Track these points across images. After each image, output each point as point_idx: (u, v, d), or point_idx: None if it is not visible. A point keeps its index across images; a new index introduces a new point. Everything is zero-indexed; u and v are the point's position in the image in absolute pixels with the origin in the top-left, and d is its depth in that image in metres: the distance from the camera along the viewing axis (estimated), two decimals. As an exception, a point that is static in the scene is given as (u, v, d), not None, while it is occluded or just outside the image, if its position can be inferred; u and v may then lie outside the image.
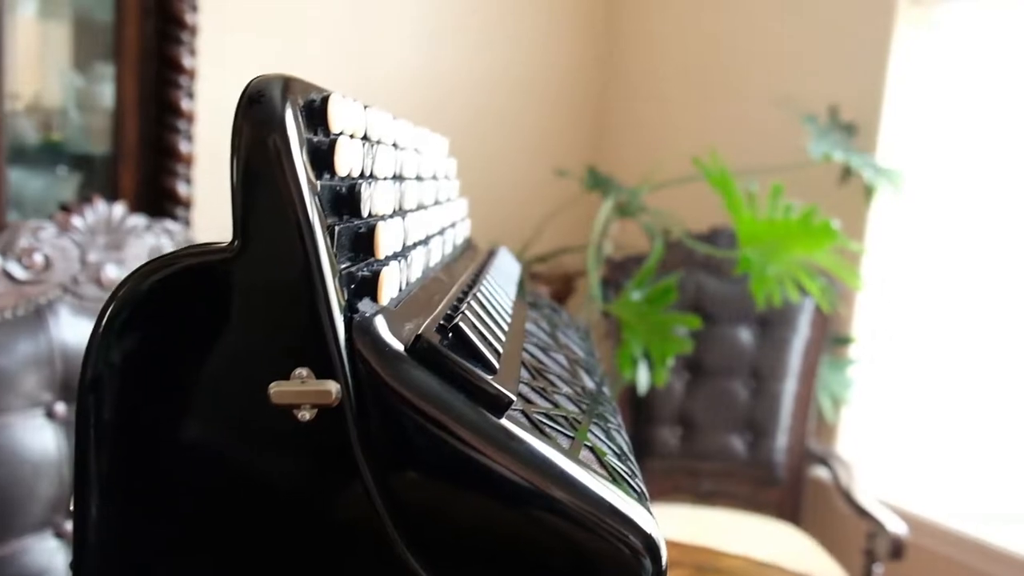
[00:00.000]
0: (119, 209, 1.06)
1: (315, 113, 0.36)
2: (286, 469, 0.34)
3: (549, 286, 1.95)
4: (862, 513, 1.52)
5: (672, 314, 1.49)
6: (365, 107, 0.42)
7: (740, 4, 2.07)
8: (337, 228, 0.35)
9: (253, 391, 0.33)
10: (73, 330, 1.03)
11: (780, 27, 1.97)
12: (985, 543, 1.54)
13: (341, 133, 0.38)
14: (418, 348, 0.36)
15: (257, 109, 0.33)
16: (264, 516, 0.34)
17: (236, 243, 0.33)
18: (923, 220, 1.75)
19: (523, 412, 0.39)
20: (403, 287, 0.43)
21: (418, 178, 0.55)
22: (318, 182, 0.35)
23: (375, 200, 0.40)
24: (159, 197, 1.54)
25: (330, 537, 0.34)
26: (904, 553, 1.41)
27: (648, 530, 0.35)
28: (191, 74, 1.50)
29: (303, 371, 0.33)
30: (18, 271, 0.96)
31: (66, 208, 1.02)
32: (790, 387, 1.78)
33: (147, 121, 1.50)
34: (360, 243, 0.38)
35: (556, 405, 0.44)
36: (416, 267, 0.47)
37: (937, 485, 1.71)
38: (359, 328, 0.34)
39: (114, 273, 1.07)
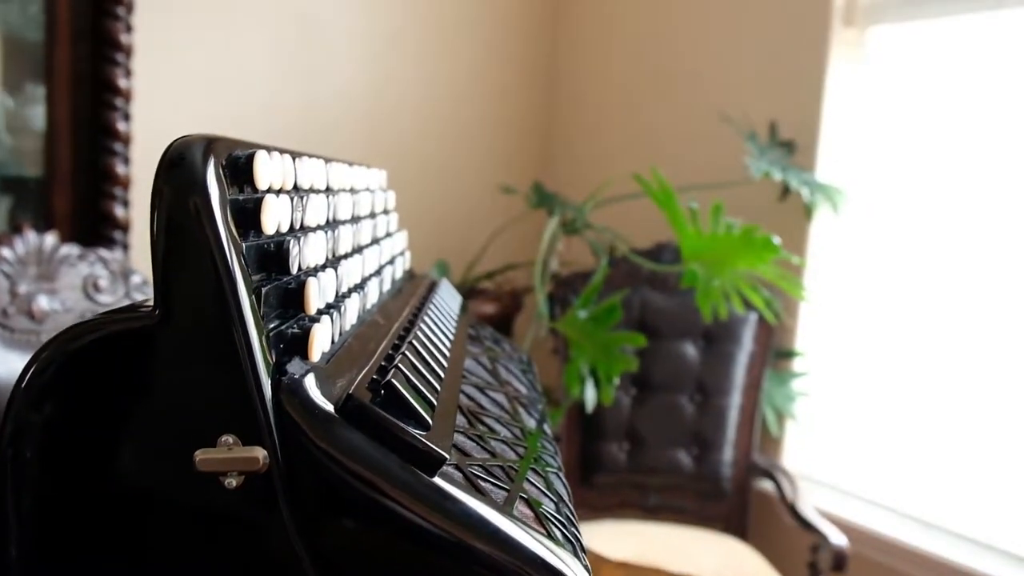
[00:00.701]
0: (50, 239, 1.03)
1: (241, 171, 0.36)
2: (212, 534, 0.33)
3: (497, 302, 1.96)
4: (806, 525, 1.55)
5: (618, 333, 1.50)
6: (295, 157, 0.42)
7: (683, 24, 2.11)
8: (264, 288, 0.35)
9: (179, 457, 0.32)
10: (4, 363, 0.99)
11: (721, 46, 2.01)
12: (925, 552, 1.58)
13: (268, 189, 0.37)
14: (348, 408, 0.35)
15: (178, 172, 0.32)
16: (190, 586, 0.33)
17: (157, 309, 0.32)
18: (862, 234, 1.80)
19: (458, 466, 0.39)
20: (336, 338, 0.42)
21: (354, 219, 0.54)
22: (244, 242, 0.35)
23: (305, 254, 0.39)
24: (96, 220, 1.50)
25: (258, 606, 0.34)
26: (846, 565, 1.44)
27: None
28: (127, 95, 1.47)
29: (229, 438, 0.33)
30: (-58, 305, 0.93)
31: (-7, 239, 0.98)
32: (735, 401, 1.80)
33: (82, 143, 1.47)
34: (290, 300, 0.38)
35: (493, 454, 0.44)
36: (351, 314, 0.46)
37: (879, 494, 1.75)
38: (287, 390, 0.34)
39: (46, 304, 1.04)
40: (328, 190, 0.49)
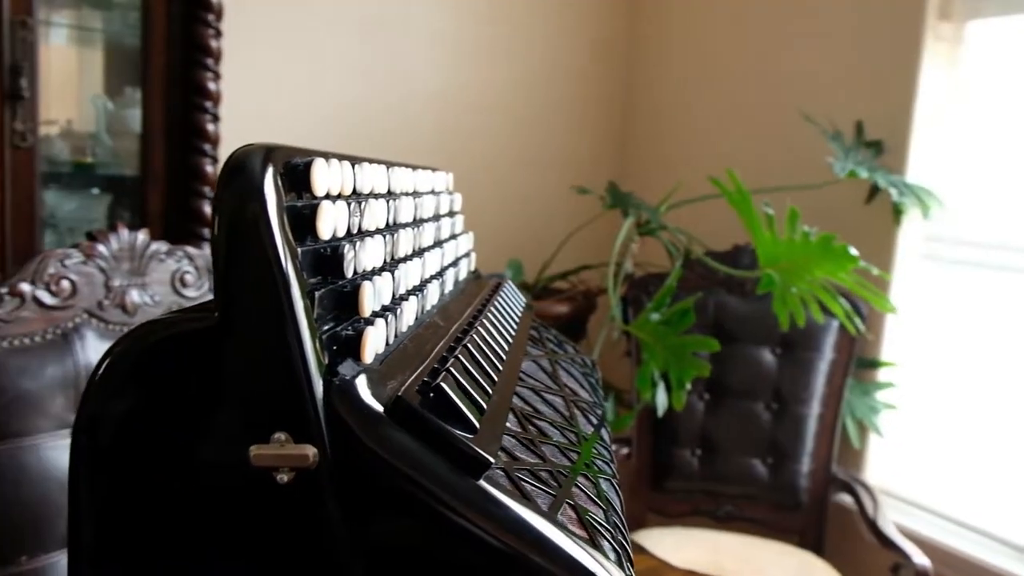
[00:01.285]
0: (142, 236, 1.09)
1: (299, 178, 0.37)
2: (264, 528, 0.35)
3: (570, 303, 1.95)
4: (886, 543, 1.50)
5: (690, 337, 1.48)
6: (354, 163, 0.43)
7: (765, 20, 2.06)
8: (318, 292, 0.36)
9: (234, 452, 0.34)
10: (98, 353, 1.05)
11: (805, 43, 1.95)
12: None
13: (326, 195, 0.39)
14: (397, 410, 0.36)
15: (237, 180, 0.33)
16: (236, 570, 0.35)
17: (216, 312, 0.33)
18: (954, 241, 1.72)
19: (504, 470, 0.40)
20: (392, 340, 0.43)
21: (415, 222, 0.56)
22: (300, 247, 0.36)
23: (361, 258, 0.40)
24: (186, 218, 1.57)
25: (305, 598, 0.35)
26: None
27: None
28: (215, 98, 1.53)
29: (282, 435, 0.34)
30: (47, 297, 0.99)
31: (91, 236, 1.04)
32: (814, 410, 1.75)
33: (174, 144, 1.54)
34: (345, 302, 0.39)
35: (543, 459, 0.45)
36: (408, 316, 0.47)
37: (965, 514, 1.67)
38: (338, 391, 0.35)
39: (137, 297, 1.09)
40: (389, 194, 0.51)
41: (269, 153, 0.35)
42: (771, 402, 1.78)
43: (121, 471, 0.36)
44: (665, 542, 1.65)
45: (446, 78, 2.12)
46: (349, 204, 0.41)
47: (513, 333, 0.62)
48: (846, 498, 1.76)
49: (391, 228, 0.49)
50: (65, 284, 1.00)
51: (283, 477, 0.34)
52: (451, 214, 0.71)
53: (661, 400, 1.52)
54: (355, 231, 0.41)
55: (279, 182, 0.35)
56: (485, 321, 0.57)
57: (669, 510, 1.82)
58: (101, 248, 1.04)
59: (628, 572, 0.39)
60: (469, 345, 0.48)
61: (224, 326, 0.34)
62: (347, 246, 0.39)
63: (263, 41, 1.82)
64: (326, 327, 0.37)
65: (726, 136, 2.15)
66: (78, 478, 0.36)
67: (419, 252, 0.55)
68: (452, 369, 0.42)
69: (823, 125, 1.78)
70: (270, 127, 1.84)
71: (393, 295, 0.45)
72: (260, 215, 0.33)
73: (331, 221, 0.37)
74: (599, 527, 0.40)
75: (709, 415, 1.81)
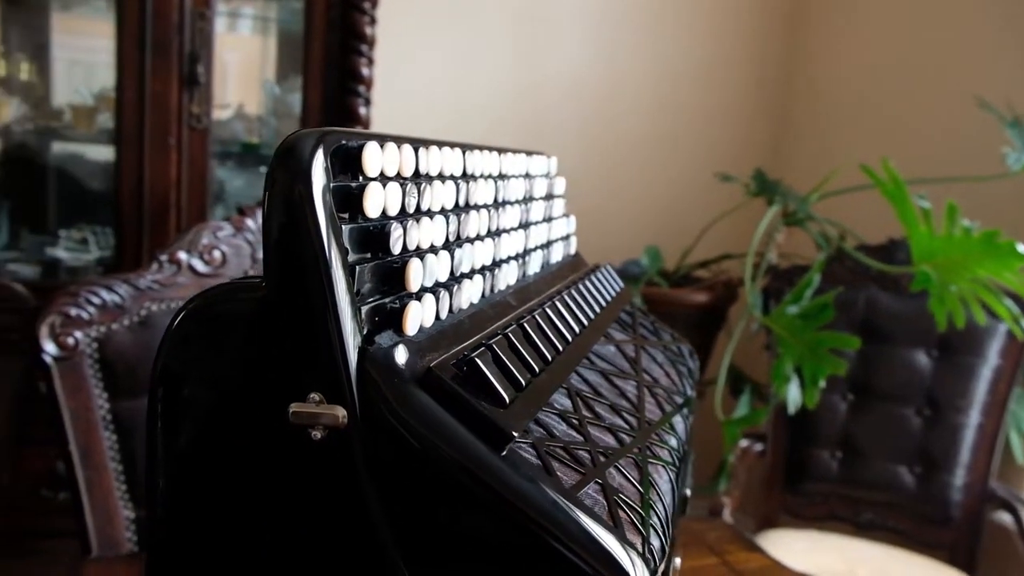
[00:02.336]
0: (286, 211, 1.18)
1: (352, 160, 0.40)
2: (301, 480, 0.38)
3: (710, 292, 1.91)
4: (1043, 567, 1.36)
5: (828, 332, 1.41)
6: (419, 147, 0.46)
7: (938, 1, 1.90)
8: (360, 266, 0.39)
9: (276, 408, 0.38)
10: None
11: (980, 22, 1.78)
12: None
13: (380, 176, 0.41)
14: (427, 378, 0.39)
15: (287, 161, 0.37)
16: (278, 518, 0.39)
17: (264, 281, 0.37)
18: None
19: (534, 445, 0.41)
20: (445, 315, 0.46)
21: (495, 204, 0.58)
22: (350, 225, 0.39)
23: (412, 236, 0.43)
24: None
25: (332, 543, 0.38)
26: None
27: (625, 568, 0.36)
28: (368, 83, 1.62)
29: (316, 396, 0.37)
30: (200, 265, 1.10)
31: (241, 211, 1.14)
32: (973, 419, 1.62)
33: (328, 126, 1.64)
34: (392, 278, 0.42)
35: (586, 438, 0.45)
36: (470, 294, 0.49)
37: None
38: (371, 358, 0.38)
39: (281, 268, 1.19)
40: (465, 176, 0.53)
41: (321, 137, 0.38)
42: (923, 407, 1.66)
43: (184, 421, 0.40)
44: (795, 545, 1.59)
45: (591, 64, 2.12)
46: (404, 185, 0.43)
47: (592, 316, 0.63)
48: (1005, 517, 1.61)
49: (462, 208, 0.51)
50: (217, 254, 1.11)
51: (317, 434, 0.37)
52: (548, 197, 0.73)
53: (794, 396, 1.46)
54: (411, 210, 0.44)
55: (329, 164, 0.38)
56: (558, 303, 0.58)
57: (804, 512, 1.74)
58: (250, 222, 1.14)
59: (653, 557, 0.40)
60: (526, 324, 0.49)
61: (270, 295, 0.37)
62: (395, 225, 0.41)
63: (415, 29, 1.90)
64: (372, 300, 0.40)
65: (889, 122, 2.01)
66: (152, 425, 0.41)
67: (496, 233, 0.56)
68: (495, 345, 0.44)
69: (1000, 112, 1.62)
70: (418, 112, 1.92)
71: (452, 273, 0.47)
72: (305, 195, 0.37)
73: (378, 201, 0.40)
74: (627, 509, 0.41)
75: (853, 416, 1.71)
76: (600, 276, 0.74)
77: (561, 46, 2.07)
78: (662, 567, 0.42)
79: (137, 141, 1.51)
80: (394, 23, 1.77)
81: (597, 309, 0.66)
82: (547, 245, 0.70)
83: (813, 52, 2.25)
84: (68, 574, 0.87)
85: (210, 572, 0.41)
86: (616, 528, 0.38)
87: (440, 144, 0.50)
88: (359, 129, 0.42)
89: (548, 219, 0.71)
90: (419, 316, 0.42)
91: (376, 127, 1.69)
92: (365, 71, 1.62)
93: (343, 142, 0.40)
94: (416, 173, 0.45)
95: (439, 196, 0.47)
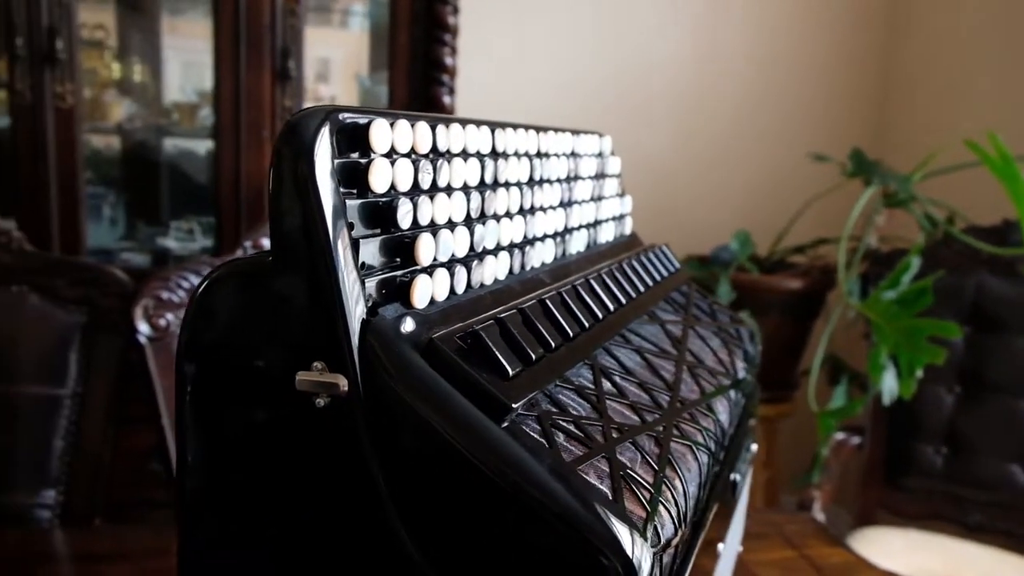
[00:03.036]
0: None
1: (359, 137, 0.41)
2: (307, 447, 0.40)
3: (805, 278, 1.84)
4: None
5: (926, 320, 1.33)
6: (435, 125, 0.46)
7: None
8: (365, 240, 0.40)
9: (286, 376, 0.39)
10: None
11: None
12: None
13: (391, 151, 0.42)
14: (428, 349, 0.39)
15: (292, 138, 0.38)
16: (291, 485, 0.40)
17: (270, 255, 0.39)
18: None
19: (539, 418, 0.41)
20: (463, 290, 0.46)
21: (531, 182, 0.58)
22: (358, 200, 0.40)
23: (424, 211, 0.44)
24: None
25: (333, 510, 0.39)
26: None
27: (622, 543, 0.35)
28: (451, 72, 1.65)
29: (319, 364, 0.38)
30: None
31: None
32: (1096, 414, 1.49)
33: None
34: (402, 252, 0.42)
35: (602, 414, 0.45)
36: (494, 270, 0.50)
37: None
38: (374, 328, 0.39)
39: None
40: (494, 154, 0.53)
41: (328, 114, 0.39)
42: (1040, 401, 1.55)
43: (207, 392, 0.42)
44: (893, 544, 1.52)
45: (679, 46, 2.07)
46: (417, 162, 0.44)
47: (634, 294, 0.62)
48: None
49: (489, 186, 0.52)
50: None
51: (321, 401, 0.38)
52: (599, 176, 0.72)
53: (890, 386, 1.39)
54: (426, 186, 0.45)
55: (335, 141, 0.39)
56: (593, 280, 0.57)
57: (905, 510, 1.65)
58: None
59: (658, 534, 0.39)
60: (548, 300, 0.49)
61: (276, 267, 0.39)
62: (403, 200, 0.42)
63: (497, 16, 1.91)
64: (380, 273, 0.41)
65: (994, 96, 1.87)
66: (184, 399, 0.43)
67: (529, 210, 0.56)
68: (508, 320, 0.44)
69: None
70: (502, 99, 1.93)
71: (473, 248, 0.48)
72: (308, 171, 0.38)
73: (385, 176, 0.41)
74: (636, 486, 0.40)
75: (960, 409, 1.61)
76: (652, 256, 0.73)
77: (647, 28, 2.04)
78: (675, 543, 0.41)
79: (234, 135, 1.59)
80: (477, 11, 1.78)
81: (642, 288, 0.65)
82: (594, 224, 0.69)
83: (914, 24, 2.12)
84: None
85: (234, 537, 0.43)
86: (615, 503, 0.38)
87: (465, 122, 0.50)
88: (376, 108, 0.43)
89: (596, 198, 0.70)
90: (428, 289, 0.42)
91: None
92: (448, 60, 1.64)
93: (350, 119, 0.41)
94: (435, 150, 0.46)
95: (460, 173, 0.48)
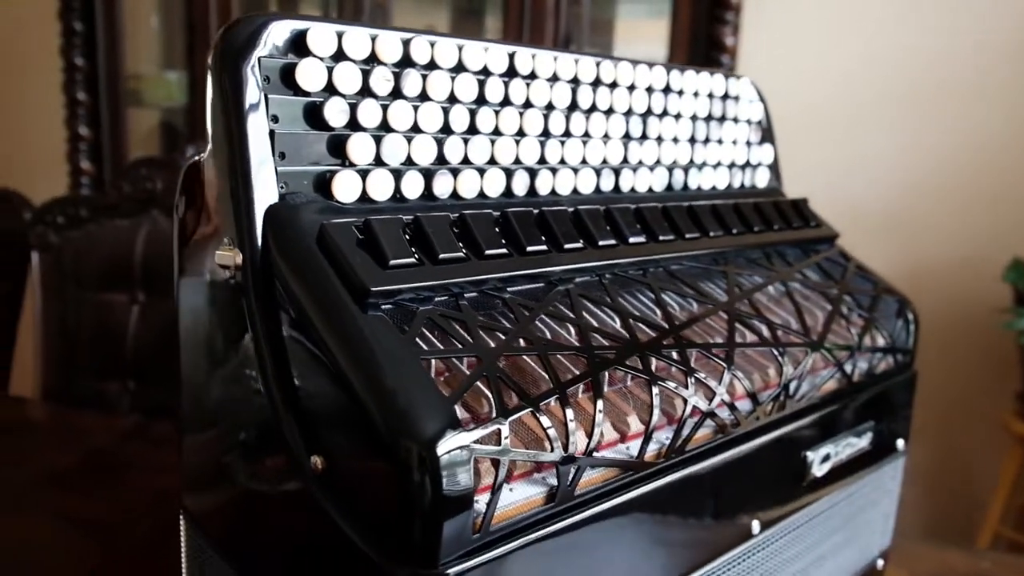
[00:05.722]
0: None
1: (299, 40, 0.44)
2: (220, 312, 0.45)
3: None
4: None
5: None
6: (409, 40, 0.47)
7: None
8: (288, 133, 0.43)
9: (211, 252, 0.44)
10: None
11: None
12: None
13: (337, 57, 0.45)
14: (320, 234, 0.41)
15: (225, 36, 0.43)
16: (202, 353, 0.46)
17: (205, 146, 0.44)
18: None
19: (417, 311, 0.41)
20: (413, 196, 0.46)
21: (577, 108, 0.55)
22: (285, 97, 0.44)
23: (368, 114, 0.45)
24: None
25: (230, 369, 0.43)
26: None
27: (427, 428, 0.34)
28: (732, 52, 1.57)
29: (227, 239, 0.43)
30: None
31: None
32: None
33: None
34: (336, 149, 0.45)
35: (518, 324, 0.42)
36: (474, 184, 0.49)
37: None
38: (274, 211, 0.42)
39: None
40: (511, 73, 0.52)
41: (265, 20, 0.44)
42: None
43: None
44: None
45: (995, 26, 1.68)
46: (369, 69, 0.46)
47: (696, 234, 0.56)
48: None
49: (491, 104, 0.51)
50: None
51: (227, 274, 0.43)
52: (712, 119, 0.65)
53: None
54: (383, 93, 0.46)
55: (272, 42, 0.43)
56: (617, 211, 0.53)
57: None
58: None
59: (454, 424, 0.35)
60: (512, 212, 0.47)
61: (205, 158, 0.44)
62: (335, 99, 0.44)
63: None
64: (309, 166, 0.44)
65: None
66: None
67: (559, 135, 0.54)
68: (430, 219, 0.44)
69: None
70: (783, 82, 1.76)
71: (443, 158, 0.48)
72: (229, 66, 0.42)
73: (313, 77, 0.44)
74: (483, 389, 0.38)
75: None
76: (773, 207, 0.64)
77: (947, 9, 1.68)
78: (502, 447, 0.37)
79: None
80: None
81: (715, 232, 0.58)
82: (688, 166, 0.63)
83: None
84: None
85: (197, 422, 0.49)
86: (448, 397, 0.36)
87: (473, 42, 0.50)
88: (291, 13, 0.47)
89: (696, 140, 0.64)
90: (354, 185, 0.44)
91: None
92: (729, 40, 1.57)
93: (296, 27, 0.44)
94: (408, 62, 0.47)
95: (442, 86, 0.48)
